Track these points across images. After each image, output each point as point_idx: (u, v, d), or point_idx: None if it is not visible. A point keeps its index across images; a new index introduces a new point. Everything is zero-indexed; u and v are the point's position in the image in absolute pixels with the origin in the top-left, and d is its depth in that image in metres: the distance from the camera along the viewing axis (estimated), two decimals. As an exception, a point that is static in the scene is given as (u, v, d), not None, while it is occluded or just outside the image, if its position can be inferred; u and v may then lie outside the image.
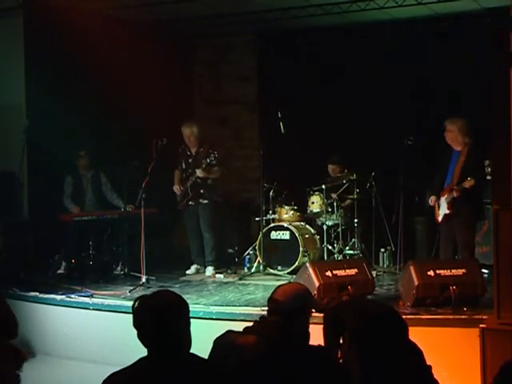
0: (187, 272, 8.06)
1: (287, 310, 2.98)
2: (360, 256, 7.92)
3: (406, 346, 2.81)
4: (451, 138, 6.82)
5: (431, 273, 5.67)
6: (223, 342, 2.99)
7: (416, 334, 3.30)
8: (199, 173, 7.90)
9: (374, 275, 6.69)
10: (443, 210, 6.83)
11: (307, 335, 3.04)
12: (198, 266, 8.15)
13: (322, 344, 2.94)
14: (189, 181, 8.03)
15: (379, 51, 9.01)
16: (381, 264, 8.27)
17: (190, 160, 8.11)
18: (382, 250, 8.28)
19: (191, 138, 8.05)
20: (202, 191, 8.05)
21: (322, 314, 3.11)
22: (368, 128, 8.77)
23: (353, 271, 6.01)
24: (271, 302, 3.06)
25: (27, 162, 7.89)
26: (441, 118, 7.11)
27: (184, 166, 8.17)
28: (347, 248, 8.17)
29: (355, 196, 8.24)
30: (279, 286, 3.18)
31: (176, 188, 8.17)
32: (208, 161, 7.81)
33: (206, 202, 8.08)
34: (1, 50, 8.12)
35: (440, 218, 6.89)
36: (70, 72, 8.09)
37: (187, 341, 2.68)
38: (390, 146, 7.87)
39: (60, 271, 7.83)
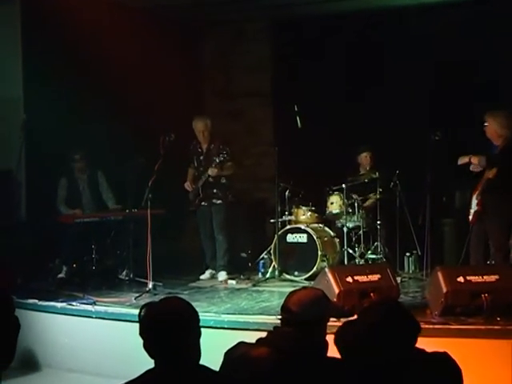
0: (201, 277, 8.05)
1: (303, 321, 2.93)
2: (383, 261, 7.90)
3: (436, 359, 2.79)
4: (490, 132, 6.79)
5: (461, 279, 5.62)
6: (234, 355, 2.97)
7: (444, 345, 3.29)
8: (211, 172, 7.89)
9: (399, 281, 6.66)
10: (474, 208, 6.81)
11: (325, 346, 2.99)
12: (213, 271, 8.13)
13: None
14: (200, 180, 8.03)
15: (404, 39, 8.94)
16: (406, 269, 8.23)
17: (202, 157, 8.11)
18: (408, 254, 8.24)
19: (205, 133, 8.04)
20: (215, 191, 8.06)
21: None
22: (392, 122, 8.74)
23: (375, 277, 5.99)
24: (285, 311, 3.01)
25: (25, 159, 7.92)
26: (474, 112, 7.04)
27: (196, 164, 8.17)
28: (369, 252, 8.15)
29: (378, 196, 8.22)
30: (293, 292, 3.11)
31: (187, 185, 8.16)
32: (218, 160, 7.82)
33: (219, 202, 8.09)
34: (-3, 40, 8.19)
35: (471, 217, 6.86)
36: (71, 63, 8.10)
37: (197, 352, 2.69)
38: (416, 141, 7.82)
39: (61, 275, 7.86)
